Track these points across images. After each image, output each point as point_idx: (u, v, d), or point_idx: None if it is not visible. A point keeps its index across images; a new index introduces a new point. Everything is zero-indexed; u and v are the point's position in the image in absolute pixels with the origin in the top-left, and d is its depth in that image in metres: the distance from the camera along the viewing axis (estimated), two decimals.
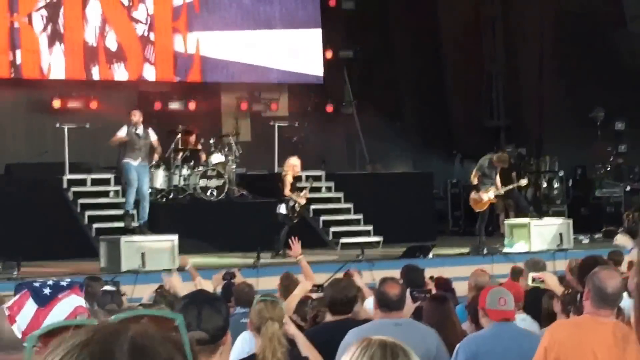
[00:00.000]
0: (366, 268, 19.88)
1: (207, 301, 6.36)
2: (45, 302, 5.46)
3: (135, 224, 26.17)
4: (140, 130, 26.06)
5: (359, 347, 4.46)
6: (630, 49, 32.97)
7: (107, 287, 14.29)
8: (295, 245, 16.03)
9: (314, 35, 35.09)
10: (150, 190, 28.63)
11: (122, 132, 26.09)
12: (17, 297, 5.60)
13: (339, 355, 9.05)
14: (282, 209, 26.73)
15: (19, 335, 5.28)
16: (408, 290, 11.60)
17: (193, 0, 33.13)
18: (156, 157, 26.72)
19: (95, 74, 32.02)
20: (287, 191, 26.87)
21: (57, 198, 26.97)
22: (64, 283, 5.68)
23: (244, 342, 9.97)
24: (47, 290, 5.53)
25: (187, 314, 5.96)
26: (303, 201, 26.74)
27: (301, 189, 27.36)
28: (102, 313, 10.63)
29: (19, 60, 30.95)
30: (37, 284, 5.66)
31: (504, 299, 10.43)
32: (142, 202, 26.18)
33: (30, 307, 5.46)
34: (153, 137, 26.44)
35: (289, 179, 26.90)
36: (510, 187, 28.19)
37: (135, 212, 26.24)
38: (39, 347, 2.06)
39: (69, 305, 5.41)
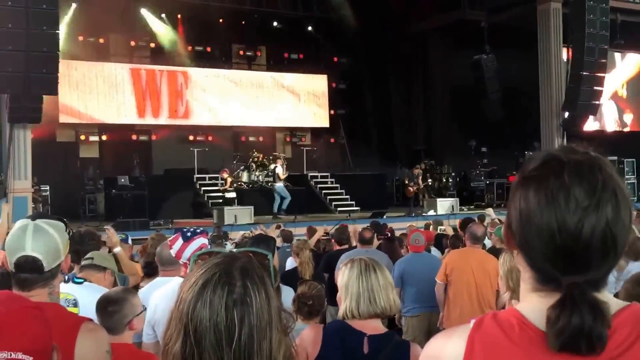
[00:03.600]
0: (351, 223, 19.90)
1: (264, 239, 6.54)
2: (187, 239, 5.73)
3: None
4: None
5: (350, 262, 4.51)
6: (489, 108, 32.87)
7: (214, 233, 14.49)
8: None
9: (325, 102, 35.17)
10: (240, 183, 28.80)
11: (280, 170, 26.66)
12: (173, 236, 5.88)
13: (337, 268, 9.46)
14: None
15: (174, 255, 5.70)
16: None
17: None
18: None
19: (211, 120, 32.15)
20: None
21: (191, 187, 27.03)
22: (198, 230, 5.93)
23: (291, 263, 10.43)
24: (189, 233, 5.79)
25: (255, 245, 6.09)
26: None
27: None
28: (215, 246, 10.86)
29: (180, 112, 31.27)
30: (185, 229, 5.91)
31: (418, 239, 10.72)
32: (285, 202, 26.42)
33: (180, 241, 5.72)
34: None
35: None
36: (423, 185, 28.43)
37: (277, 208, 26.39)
38: (198, 262, 2.20)
39: (199, 242, 5.71)
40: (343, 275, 4.52)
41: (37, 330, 2.31)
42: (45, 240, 3.39)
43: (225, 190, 26.15)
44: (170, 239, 6.07)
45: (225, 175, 26.58)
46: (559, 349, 1.74)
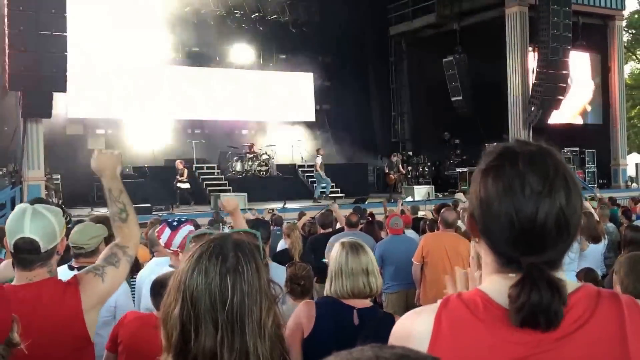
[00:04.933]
0: (336, 207, 19.88)
1: (261, 223, 6.57)
2: (174, 228, 5.65)
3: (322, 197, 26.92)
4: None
5: (341, 244, 4.58)
6: (462, 103, 33.13)
7: (211, 218, 14.54)
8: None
9: (311, 99, 35.22)
10: (233, 172, 28.81)
11: (319, 160, 27.10)
12: (160, 226, 5.82)
13: (327, 248, 9.46)
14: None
15: (163, 245, 5.65)
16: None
17: None
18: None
19: (208, 115, 32.14)
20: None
21: (191, 175, 26.84)
22: (184, 219, 5.89)
23: (282, 245, 10.41)
24: (175, 222, 5.74)
25: (253, 228, 6.10)
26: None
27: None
28: (212, 228, 10.88)
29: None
30: (170, 220, 5.88)
31: (397, 223, 10.86)
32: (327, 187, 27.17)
33: (167, 231, 5.65)
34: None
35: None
36: (403, 172, 28.49)
37: (321, 194, 27.13)
38: (193, 244, 2.28)
39: (186, 230, 5.63)
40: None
41: None
42: (42, 223, 3.41)
43: (180, 181, 25.45)
44: (157, 230, 5.98)
45: (180, 166, 25.79)
46: (520, 324, 1.77)
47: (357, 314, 4.37)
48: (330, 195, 27.92)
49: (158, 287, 4.74)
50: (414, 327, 1.90)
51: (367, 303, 4.49)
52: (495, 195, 1.83)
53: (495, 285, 1.86)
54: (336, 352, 1.29)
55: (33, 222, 3.39)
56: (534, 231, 1.79)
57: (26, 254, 3.39)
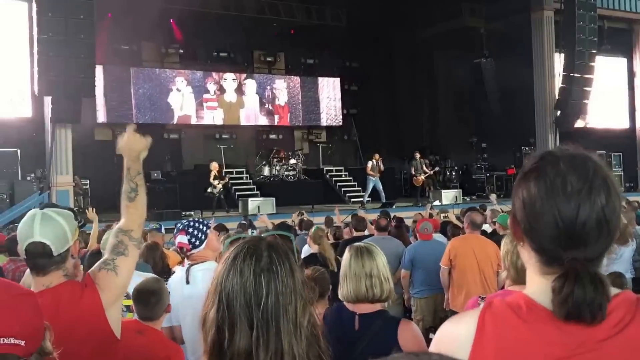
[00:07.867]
0: (364, 213, 19.71)
1: (285, 227, 6.42)
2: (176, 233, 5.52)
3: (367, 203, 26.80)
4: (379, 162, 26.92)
5: (349, 249, 4.59)
6: (488, 107, 32.95)
7: (242, 221, 14.42)
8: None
9: (338, 102, 35.05)
10: (261, 176, 28.75)
11: (369, 164, 26.97)
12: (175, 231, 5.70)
13: None
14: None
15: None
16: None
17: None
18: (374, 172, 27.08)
19: (236, 120, 32.03)
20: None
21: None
22: (180, 226, 5.70)
23: (307, 248, 10.11)
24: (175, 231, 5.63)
25: (278, 230, 5.95)
26: None
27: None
28: (240, 231, 10.74)
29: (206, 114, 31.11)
30: (180, 225, 5.73)
31: (426, 228, 10.79)
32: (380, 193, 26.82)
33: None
34: (381, 167, 26.96)
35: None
36: (430, 172, 28.26)
37: (369, 199, 27.31)
38: (230, 248, 2.33)
39: (175, 242, 5.62)
40: None
41: (28, 316, 2.24)
42: (52, 226, 3.38)
43: (224, 184, 24.56)
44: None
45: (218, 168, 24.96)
46: (565, 318, 1.78)
47: (358, 319, 4.39)
48: (358, 199, 27.84)
49: (148, 297, 4.76)
50: (457, 330, 1.93)
51: (373, 308, 4.44)
52: (538, 195, 1.86)
53: (539, 287, 1.88)
54: (335, 356, 1.25)
55: (43, 226, 3.36)
56: (576, 229, 1.81)
57: (38, 258, 3.35)
